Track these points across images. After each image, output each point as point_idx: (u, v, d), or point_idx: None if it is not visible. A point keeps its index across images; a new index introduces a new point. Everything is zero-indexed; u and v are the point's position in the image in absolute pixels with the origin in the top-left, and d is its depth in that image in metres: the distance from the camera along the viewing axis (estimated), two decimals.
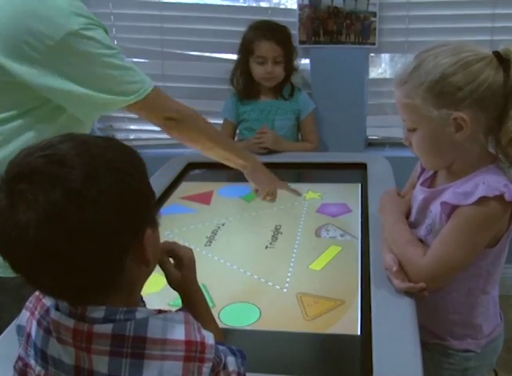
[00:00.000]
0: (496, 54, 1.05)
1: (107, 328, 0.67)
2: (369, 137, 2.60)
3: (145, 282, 0.76)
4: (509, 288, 2.31)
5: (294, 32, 2.36)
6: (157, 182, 1.79)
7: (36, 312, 0.75)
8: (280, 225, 1.53)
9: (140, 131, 2.78)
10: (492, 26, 2.26)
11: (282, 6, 2.52)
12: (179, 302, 0.90)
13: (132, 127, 2.75)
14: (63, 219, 0.61)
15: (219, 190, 1.80)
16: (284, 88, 2.26)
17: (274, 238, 1.47)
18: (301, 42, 2.37)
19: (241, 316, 1.15)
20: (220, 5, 2.56)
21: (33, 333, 0.74)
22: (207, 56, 2.63)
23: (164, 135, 2.74)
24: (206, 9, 2.52)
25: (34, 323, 0.74)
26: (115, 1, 2.51)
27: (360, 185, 1.75)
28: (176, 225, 1.56)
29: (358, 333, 1.08)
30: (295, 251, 1.40)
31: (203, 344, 0.68)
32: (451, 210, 1.09)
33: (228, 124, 2.32)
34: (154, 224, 0.73)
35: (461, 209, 1.07)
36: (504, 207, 1.05)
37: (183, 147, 2.64)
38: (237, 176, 1.90)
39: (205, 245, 1.44)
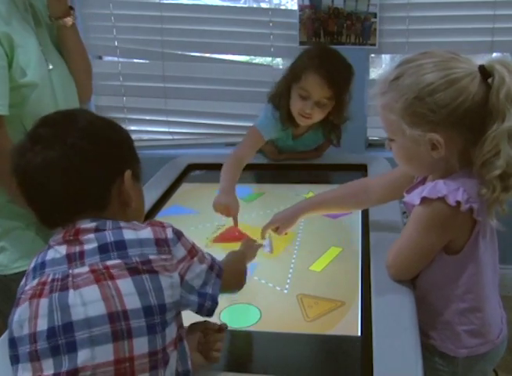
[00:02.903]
0: (481, 68, 1.01)
1: (91, 224, 0.84)
2: (370, 138, 2.60)
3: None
4: (510, 289, 2.31)
5: (295, 33, 2.37)
6: (158, 183, 1.79)
7: (36, 254, 0.88)
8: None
9: (141, 132, 2.78)
10: (493, 27, 2.26)
11: (282, 7, 2.52)
12: None
13: (133, 128, 2.75)
14: (69, 148, 0.82)
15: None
16: (329, 131, 1.91)
17: (275, 239, 1.46)
18: (302, 43, 2.37)
19: (242, 317, 1.15)
20: (220, 6, 2.57)
21: (32, 264, 0.86)
22: (208, 57, 2.63)
23: (165, 136, 2.78)
24: (206, 9, 2.52)
25: (35, 258, 0.87)
26: (115, 2, 2.51)
27: None
28: (177, 226, 1.54)
29: (359, 334, 1.08)
30: (295, 252, 1.40)
31: (160, 221, 0.89)
32: (412, 209, 1.11)
33: (259, 138, 1.84)
34: (136, 175, 0.92)
35: (414, 208, 1.10)
36: (451, 211, 1.03)
37: (184, 148, 2.67)
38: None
39: (205, 246, 1.44)
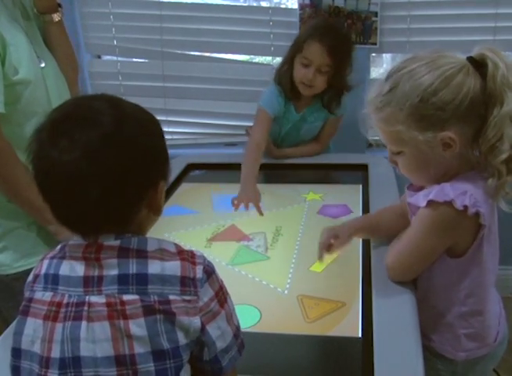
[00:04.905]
0: (471, 60, 1.03)
1: (115, 242, 0.77)
2: (371, 138, 2.58)
3: (149, 228, 0.87)
4: None
5: (295, 32, 2.35)
6: None
7: (48, 256, 0.82)
8: (281, 227, 1.52)
9: None
10: (495, 25, 2.25)
11: (283, 6, 2.51)
12: None
13: None
14: (97, 157, 0.72)
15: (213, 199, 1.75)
16: (329, 100, 1.96)
17: (275, 239, 1.46)
18: None
19: (241, 318, 1.12)
20: (220, 5, 2.56)
21: (43, 269, 0.80)
22: (208, 56, 2.62)
23: (165, 136, 2.76)
24: (206, 8, 2.51)
25: (46, 261, 0.81)
26: (114, 0, 2.50)
27: (361, 186, 1.74)
28: (176, 226, 1.55)
29: (360, 335, 1.07)
30: (296, 252, 1.39)
31: (192, 252, 0.81)
32: (416, 210, 1.10)
33: (266, 116, 1.91)
34: (166, 179, 0.85)
35: (419, 210, 1.08)
36: (458, 215, 1.02)
37: (183, 148, 2.66)
38: (238, 177, 1.89)
39: (205, 247, 1.44)
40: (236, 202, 1.65)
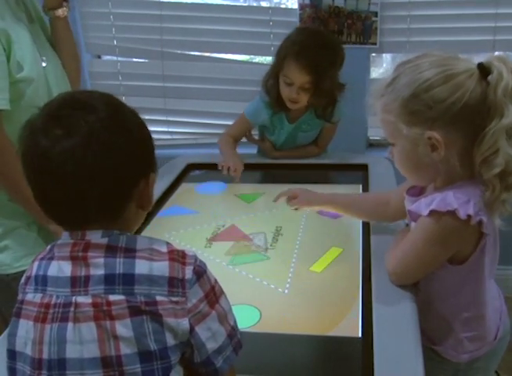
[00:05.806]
0: (480, 66, 0.99)
1: (103, 240, 0.76)
2: (371, 138, 2.59)
3: (136, 227, 0.86)
4: None
5: None
6: (157, 183, 1.77)
7: (38, 258, 0.82)
8: (281, 227, 1.52)
9: None
10: (495, 25, 2.25)
11: (283, 6, 2.51)
12: None
13: None
14: (99, 140, 0.72)
15: (196, 187, 1.80)
16: (322, 111, 1.93)
17: (274, 239, 1.46)
18: None
19: (241, 318, 1.12)
20: (220, 5, 2.56)
21: (34, 271, 0.80)
22: (208, 56, 2.63)
23: (165, 136, 2.77)
24: (206, 8, 2.51)
25: (37, 263, 0.81)
26: (114, 0, 2.50)
27: (361, 186, 1.74)
28: (176, 226, 1.55)
29: (360, 335, 1.07)
30: (296, 252, 1.39)
31: (183, 252, 0.79)
32: (417, 217, 1.09)
33: (246, 123, 2.00)
34: (155, 172, 0.84)
35: (421, 218, 1.07)
36: (460, 224, 1.00)
37: (183, 148, 2.66)
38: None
39: (205, 247, 1.43)
40: (222, 164, 1.81)
